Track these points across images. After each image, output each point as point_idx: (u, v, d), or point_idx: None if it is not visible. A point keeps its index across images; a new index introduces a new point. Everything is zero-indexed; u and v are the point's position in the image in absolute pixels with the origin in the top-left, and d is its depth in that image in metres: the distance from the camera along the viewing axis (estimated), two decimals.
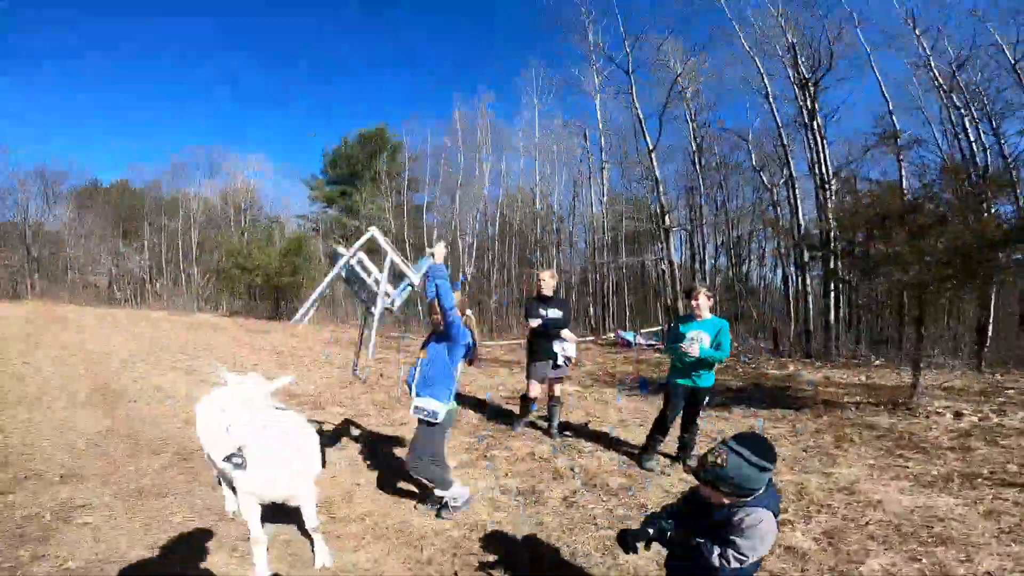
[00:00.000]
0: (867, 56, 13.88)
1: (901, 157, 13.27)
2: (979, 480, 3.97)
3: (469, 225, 25.96)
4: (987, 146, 13.12)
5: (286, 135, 58.17)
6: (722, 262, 22.61)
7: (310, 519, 2.79)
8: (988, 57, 13.07)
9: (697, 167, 18.10)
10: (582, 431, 5.38)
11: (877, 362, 10.48)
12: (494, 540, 3.16)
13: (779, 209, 18.40)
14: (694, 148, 18.00)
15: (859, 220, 6.48)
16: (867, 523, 3.33)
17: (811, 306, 13.92)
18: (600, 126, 20.91)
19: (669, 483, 4.08)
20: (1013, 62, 12.53)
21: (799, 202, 15.01)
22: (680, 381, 4.25)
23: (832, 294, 12.85)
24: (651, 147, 16.71)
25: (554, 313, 4.92)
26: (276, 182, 33.15)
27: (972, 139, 13.27)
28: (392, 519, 3.43)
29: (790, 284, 16.56)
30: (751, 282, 23.37)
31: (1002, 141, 12.97)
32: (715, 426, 5.53)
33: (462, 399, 6.46)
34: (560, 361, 4.92)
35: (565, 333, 4.93)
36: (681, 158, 19.79)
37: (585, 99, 21.91)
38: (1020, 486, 3.80)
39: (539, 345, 4.97)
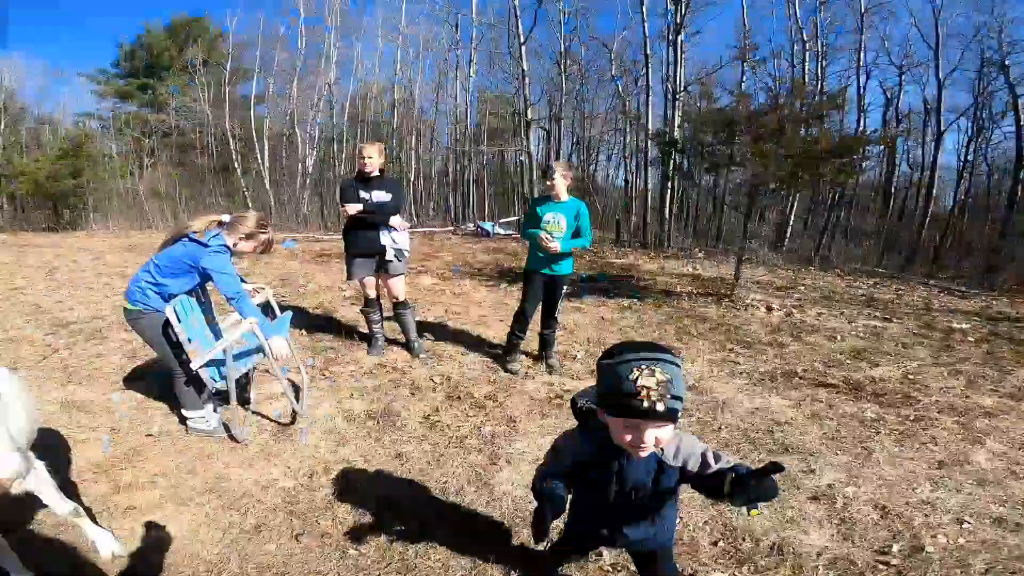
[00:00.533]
0: None
1: (755, 70, 15.47)
2: (797, 379, 4.09)
3: (310, 116, 23.80)
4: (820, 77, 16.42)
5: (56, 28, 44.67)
6: (574, 160, 23.94)
7: (56, 505, 1.95)
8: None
9: (562, 68, 19.23)
10: (441, 331, 4.92)
11: (700, 254, 11.29)
12: (341, 486, 2.60)
13: (629, 118, 20.26)
14: (561, 50, 19.21)
15: (711, 123, 6.99)
16: (720, 428, 3.29)
17: (649, 201, 15.03)
18: (474, 15, 20.51)
19: (534, 388, 3.81)
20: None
21: (651, 108, 15.76)
22: (540, 270, 3.93)
23: (669, 191, 14.02)
24: (522, 40, 16.91)
25: (380, 196, 3.94)
26: (44, 79, 28.57)
27: (808, 70, 16.45)
28: (201, 477, 2.66)
29: (641, 182, 17.73)
30: (598, 181, 25.76)
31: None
32: (570, 317, 5.44)
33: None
34: (390, 256, 3.99)
35: (395, 220, 3.95)
36: (549, 59, 20.65)
37: None
38: (829, 386, 3.96)
39: (358, 237, 3.98)
